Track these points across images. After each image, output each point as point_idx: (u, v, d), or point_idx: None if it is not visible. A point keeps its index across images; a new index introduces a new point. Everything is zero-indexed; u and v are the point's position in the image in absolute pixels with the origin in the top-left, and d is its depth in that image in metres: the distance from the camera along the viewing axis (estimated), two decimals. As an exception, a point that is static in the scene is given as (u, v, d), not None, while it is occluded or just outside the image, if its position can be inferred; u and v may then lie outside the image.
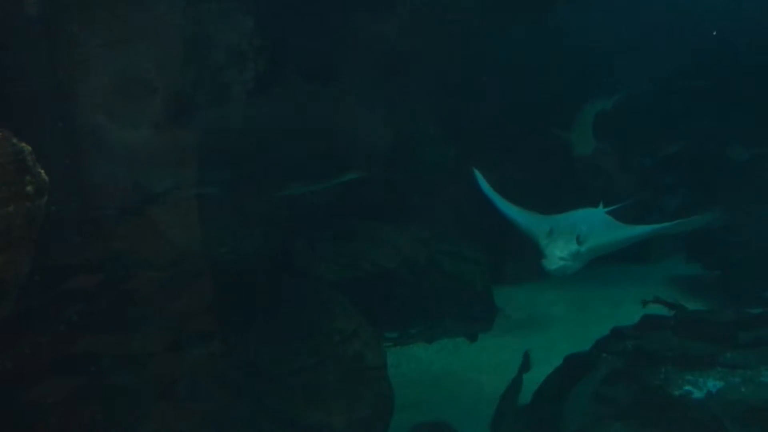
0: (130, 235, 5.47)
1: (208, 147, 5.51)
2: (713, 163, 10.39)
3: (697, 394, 5.91)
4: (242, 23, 5.77)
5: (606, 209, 7.07)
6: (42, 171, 3.35)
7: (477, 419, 6.67)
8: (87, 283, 5.17)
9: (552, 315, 8.70)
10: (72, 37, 5.25)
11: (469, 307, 8.43)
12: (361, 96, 6.99)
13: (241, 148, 5.93)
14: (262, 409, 5.44)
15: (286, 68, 6.19)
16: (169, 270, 5.52)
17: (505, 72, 8.90)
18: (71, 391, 4.90)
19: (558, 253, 5.80)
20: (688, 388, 5.97)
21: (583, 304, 9.00)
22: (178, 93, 5.50)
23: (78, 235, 5.29)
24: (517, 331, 8.36)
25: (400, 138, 7.71)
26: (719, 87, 9.94)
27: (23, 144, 3.29)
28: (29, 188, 3.30)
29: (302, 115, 6.56)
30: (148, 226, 5.54)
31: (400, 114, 7.31)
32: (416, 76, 7.09)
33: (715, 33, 9.59)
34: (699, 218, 6.77)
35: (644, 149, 10.42)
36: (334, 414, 5.66)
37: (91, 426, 4.97)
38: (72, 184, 5.25)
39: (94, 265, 5.28)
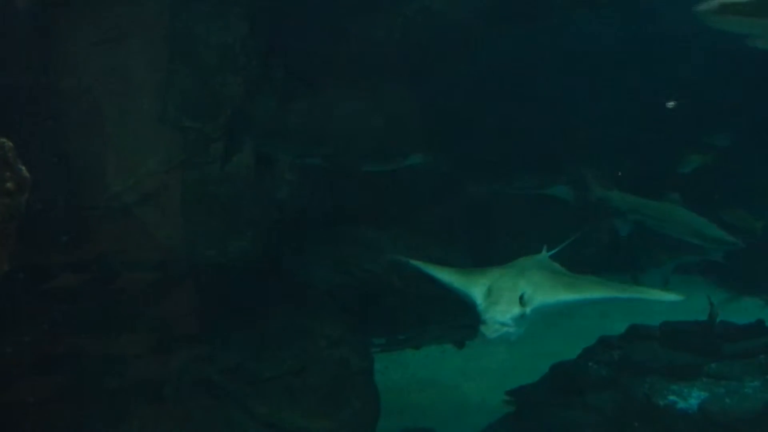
0: (117, 236, 5.43)
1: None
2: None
3: (682, 404, 5.94)
4: (236, 25, 5.75)
5: (549, 253, 6.40)
6: (23, 167, 3.30)
7: (462, 426, 6.68)
8: (72, 283, 5.14)
9: (538, 322, 8.69)
10: (62, 34, 5.23)
11: (456, 314, 8.42)
12: (352, 100, 7.01)
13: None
14: (246, 413, 5.41)
15: (278, 71, 6.18)
16: (156, 271, 5.50)
17: (500, 81, 8.91)
18: (53, 391, 4.87)
19: (499, 318, 5.02)
20: (672, 398, 6.01)
21: (570, 313, 9.00)
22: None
23: (64, 235, 5.25)
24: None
25: (389, 143, 7.73)
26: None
27: (3, 139, 3.25)
28: (9, 184, 3.25)
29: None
30: (136, 227, 5.50)
31: (390, 119, 7.32)
32: (408, 83, 7.09)
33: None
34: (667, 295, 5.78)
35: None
36: (319, 418, 5.64)
37: (73, 426, 4.93)
38: (59, 182, 5.21)
39: (80, 264, 5.25)
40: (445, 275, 5.85)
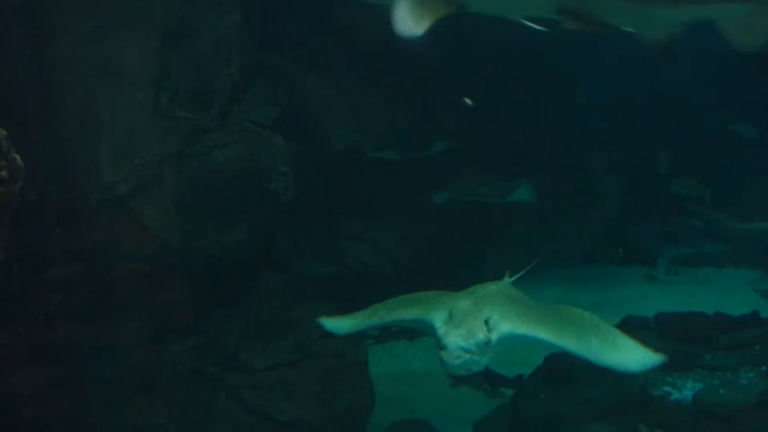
0: (111, 227, 5.44)
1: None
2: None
3: (676, 395, 5.94)
4: (229, 15, 5.75)
5: (512, 278, 5.93)
6: (17, 156, 3.31)
7: (456, 418, 6.68)
8: (66, 274, 5.14)
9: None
10: (56, 24, 5.22)
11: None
12: (345, 92, 7.04)
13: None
14: (240, 403, 5.42)
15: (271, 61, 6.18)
16: (150, 262, 5.50)
17: (487, 75, 8.92)
18: (49, 381, 4.87)
19: (462, 344, 4.48)
20: (667, 389, 6.01)
21: (564, 304, 9.01)
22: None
23: (58, 226, 5.25)
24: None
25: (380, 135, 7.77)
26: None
27: (-4, 128, 3.25)
28: (3, 173, 3.26)
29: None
30: (130, 218, 5.51)
31: (378, 110, 7.35)
32: (399, 75, 7.12)
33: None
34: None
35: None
36: (313, 409, 5.65)
37: (69, 416, 4.94)
38: (53, 173, 5.22)
39: (74, 255, 5.25)
40: (395, 314, 5.23)
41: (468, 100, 7.09)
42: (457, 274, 8.64)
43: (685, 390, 5.99)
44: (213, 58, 5.74)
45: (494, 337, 4.56)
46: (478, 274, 8.81)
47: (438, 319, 4.71)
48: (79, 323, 5.19)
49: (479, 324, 4.56)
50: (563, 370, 6.43)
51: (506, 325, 4.67)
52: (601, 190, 10.40)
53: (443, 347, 4.50)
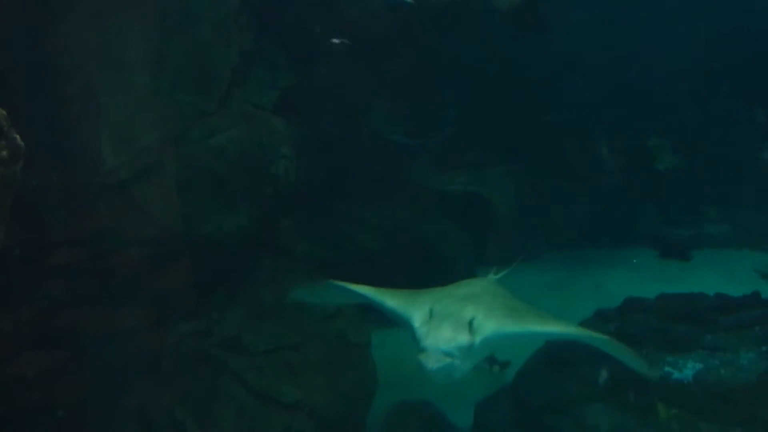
0: (113, 212, 5.44)
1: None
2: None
3: (677, 375, 5.97)
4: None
5: (497, 276, 5.71)
6: (17, 136, 3.29)
7: (459, 399, 6.71)
8: (68, 259, 5.15)
9: (534, 296, 8.72)
10: (56, 9, 5.19)
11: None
12: (345, 74, 7.01)
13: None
14: (243, 385, 5.45)
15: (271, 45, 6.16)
16: (152, 247, 5.51)
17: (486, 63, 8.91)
18: (53, 366, 4.89)
19: (443, 347, 4.17)
20: (668, 369, 6.03)
21: (566, 285, 9.05)
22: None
23: (60, 211, 5.26)
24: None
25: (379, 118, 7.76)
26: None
27: (-4, 107, 3.24)
28: (4, 153, 3.23)
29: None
30: (132, 202, 5.51)
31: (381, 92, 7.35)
32: (401, 56, 7.10)
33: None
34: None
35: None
36: (316, 391, 5.67)
37: (73, 400, 4.97)
38: (55, 159, 5.21)
39: (76, 240, 5.26)
40: (377, 295, 4.93)
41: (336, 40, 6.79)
42: (458, 260, 8.71)
43: (686, 370, 6.01)
44: (212, 42, 5.72)
45: (478, 339, 4.26)
46: (479, 259, 8.90)
47: (417, 318, 4.42)
48: (83, 308, 5.20)
49: (462, 325, 4.26)
50: (564, 352, 6.47)
51: (491, 325, 4.37)
52: (601, 172, 10.39)
53: (422, 350, 4.19)
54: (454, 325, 4.27)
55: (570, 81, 9.52)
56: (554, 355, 6.51)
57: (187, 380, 5.42)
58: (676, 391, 5.81)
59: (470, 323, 4.29)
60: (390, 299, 4.84)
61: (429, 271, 8.45)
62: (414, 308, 4.58)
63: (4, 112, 3.26)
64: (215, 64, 5.75)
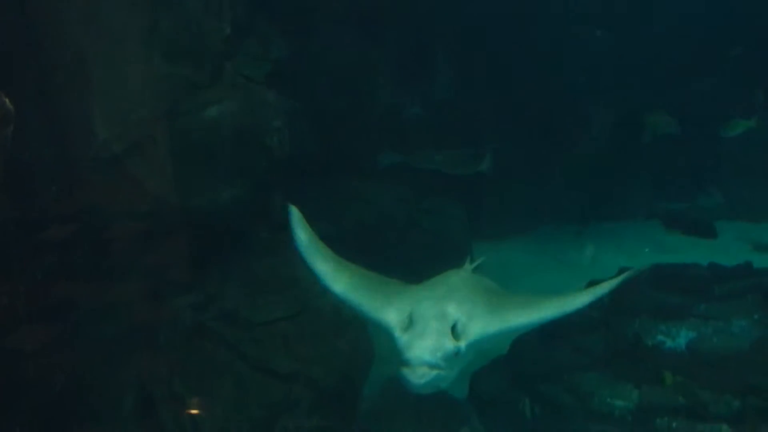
0: (106, 186, 5.43)
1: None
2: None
3: (670, 343, 6.02)
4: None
5: (473, 265, 5.41)
6: (7, 100, 3.26)
7: (455, 370, 6.74)
8: (62, 234, 5.15)
9: (530, 269, 8.77)
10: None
11: (448, 261, 8.48)
12: (340, 47, 6.97)
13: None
14: (240, 357, 5.47)
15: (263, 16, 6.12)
16: (146, 220, 5.50)
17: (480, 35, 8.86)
18: (50, 339, 4.91)
19: (428, 358, 3.82)
20: (661, 338, 6.09)
21: (561, 258, 9.09)
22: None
23: (53, 185, 5.24)
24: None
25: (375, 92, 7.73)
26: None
27: (-17, 72, 3.21)
28: (-7, 117, 3.20)
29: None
30: (125, 176, 5.50)
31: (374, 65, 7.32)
32: (396, 28, 7.05)
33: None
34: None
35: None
36: (312, 364, 5.69)
37: (71, 373, 4.99)
38: (47, 133, 5.19)
39: (69, 215, 5.25)
40: (348, 292, 4.46)
41: None
42: (454, 236, 8.72)
43: (679, 339, 6.06)
44: (204, 14, 5.68)
45: (464, 344, 4.00)
46: (476, 235, 8.91)
47: (395, 323, 4.07)
48: (78, 282, 5.21)
49: (445, 331, 3.96)
50: (558, 322, 6.51)
51: (476, 327, 4.10)
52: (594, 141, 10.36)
53: (406, 362, 3.90)
54: (437, 332, 3.95)
55: (573, 49, 9.50)
56: (549, 326, 6.55)
57: (184, 353, 5.44)
58: (668, 359, 5.86)
59: (454, 327, 4.01)
60: (361, 297, 4.44)
61: (426, 247, 8.49)
62: (389, 308, 4.22)
63: None
64: (207, 37, 5.72)
